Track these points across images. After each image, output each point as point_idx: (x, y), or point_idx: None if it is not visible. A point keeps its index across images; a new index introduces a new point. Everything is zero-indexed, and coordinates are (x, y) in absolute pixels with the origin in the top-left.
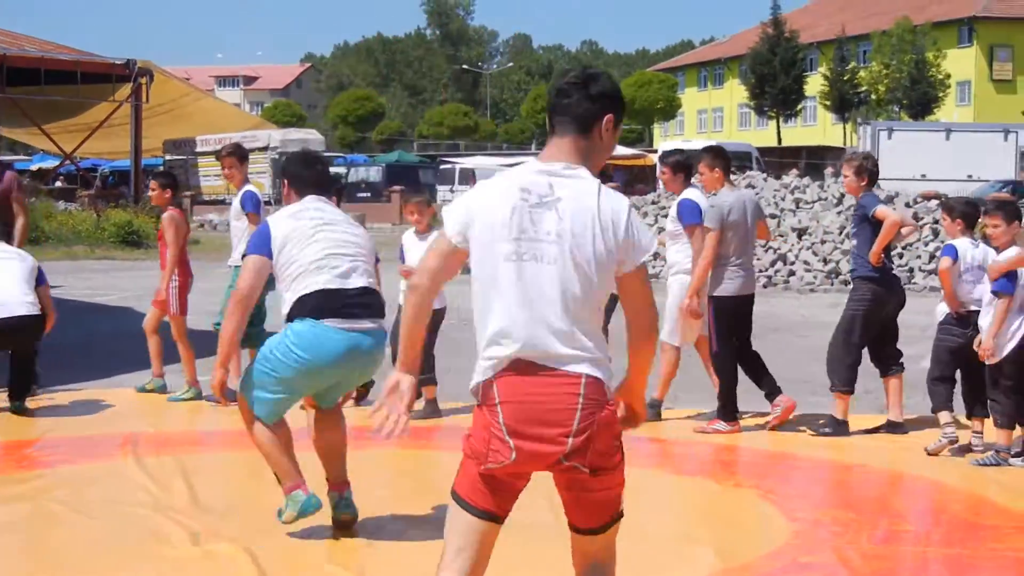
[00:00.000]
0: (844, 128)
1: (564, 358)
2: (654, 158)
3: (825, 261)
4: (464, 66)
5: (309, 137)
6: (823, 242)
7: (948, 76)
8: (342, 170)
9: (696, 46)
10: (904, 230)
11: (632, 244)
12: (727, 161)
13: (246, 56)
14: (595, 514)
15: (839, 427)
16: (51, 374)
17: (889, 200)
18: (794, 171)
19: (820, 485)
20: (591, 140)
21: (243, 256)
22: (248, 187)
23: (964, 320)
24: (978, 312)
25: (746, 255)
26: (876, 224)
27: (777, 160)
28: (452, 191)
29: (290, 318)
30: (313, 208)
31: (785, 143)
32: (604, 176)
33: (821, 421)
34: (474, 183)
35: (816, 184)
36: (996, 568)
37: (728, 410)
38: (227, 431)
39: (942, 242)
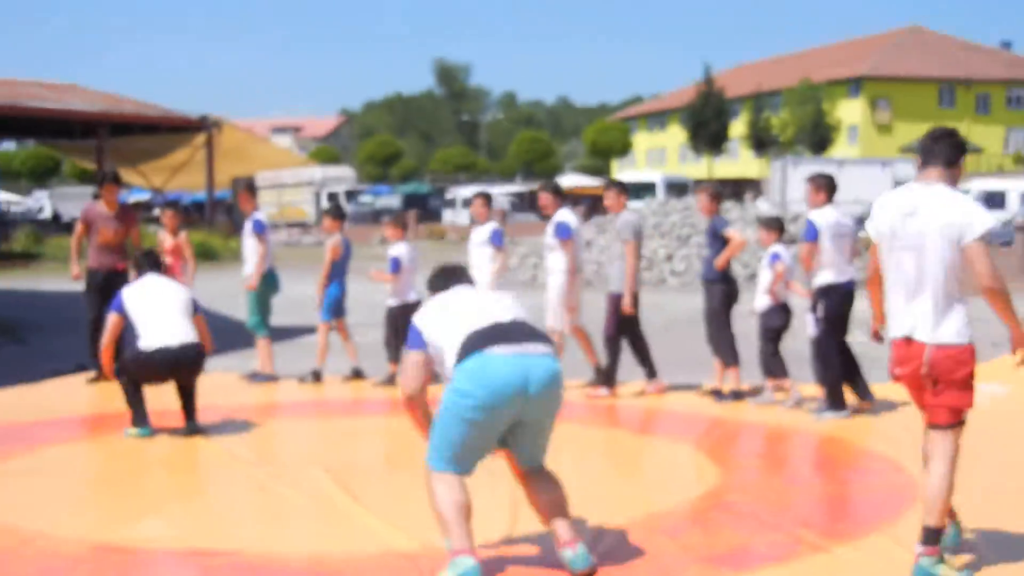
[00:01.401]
0: (761, 162)
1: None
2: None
3: (744, 266)
4: (464, 117)
5: (344, 174)
6: (744, 252)
7: (840, 122)
8: (369, 198)
9: (645, 99)
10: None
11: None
12: (627, 191)
13: (295, 110)
14: None
15: (738, 396)
16: None
17: (795, 218)
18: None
19: (742, 439)
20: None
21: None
22: (257, 215)
23: (784, 307)
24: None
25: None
26: (724, 240)
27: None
28: (454, 213)
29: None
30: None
31: (715, 175)
32: (573, 201)
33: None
34: (493, 207)
35: (739, 206)
36: (872, 495)
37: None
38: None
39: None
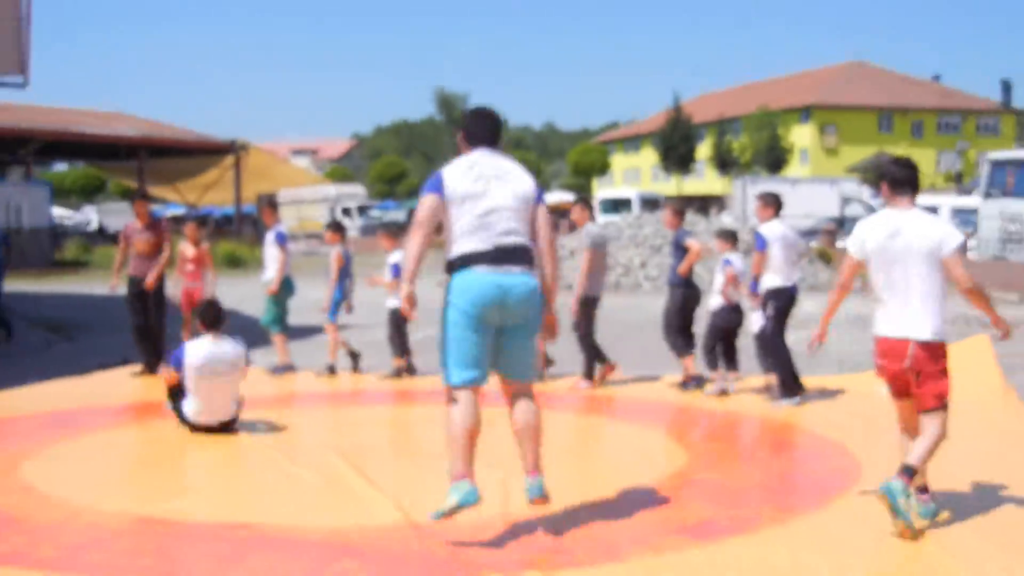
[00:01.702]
0: (724, 181)
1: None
2: (594, 203)
3: (710, 272)
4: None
5: (356, 191)
6: (709, 259)
7: (792, 145)
8: (379, 213)
9: (621, 125)
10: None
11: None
12: (591, 207)
13: (312, 135)
14: None
15: (698, 381)
16: None
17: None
18: (689, 211)
19: (707, 425)
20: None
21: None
22: (278, 227)
23: (735, 308)
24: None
25: (605, 267)
26: (685, 250)
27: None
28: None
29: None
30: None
31: (683, 192)
32: (559, 215)
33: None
34: None
35: (704, 219)
36: (821, 475)
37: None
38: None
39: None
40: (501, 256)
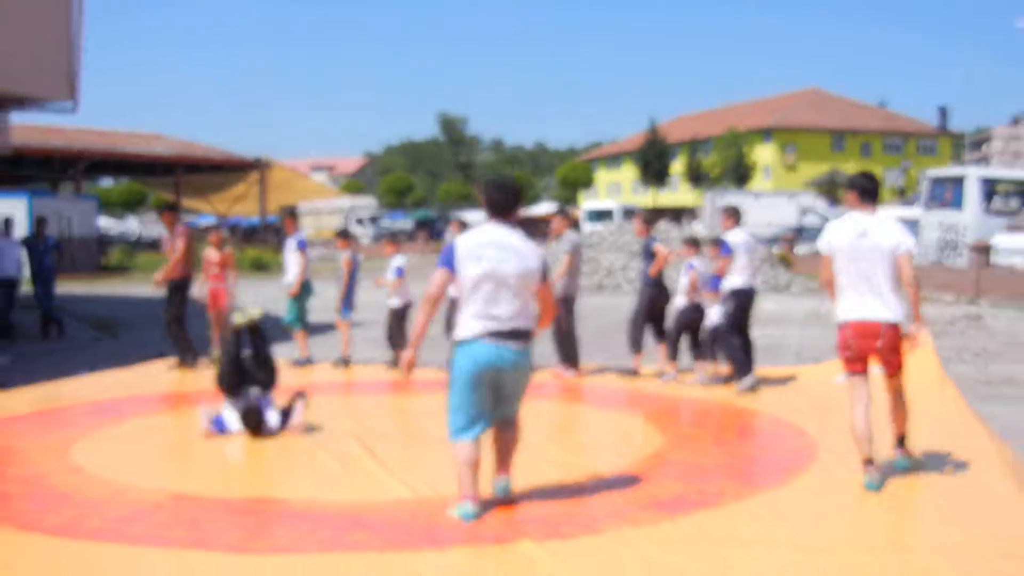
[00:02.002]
0: (695, 194)
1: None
2: (578, 214)
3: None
4: (462, 158)
5: (368, 203)
6: (681, 263)
7: (756, 163)
8: (388, 222)
9: (604, 144)
10: (670, 258)
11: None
12: (568, 218)
13: (329, 152)
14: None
15: (635, 374)
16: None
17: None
18: (664, 221)
19: (680, 412)
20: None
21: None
22: (299, 234)
23: (697, 307)
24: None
25: (580, 270)
26: (654, 255)
27: (655, 215)
28: (454, 234)
29: None
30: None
31: (660, 204)
32: (547, 225)
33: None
34: (467, 229)
35: (678, 227)
36: (781, 455)
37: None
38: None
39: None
40: (501, 335)
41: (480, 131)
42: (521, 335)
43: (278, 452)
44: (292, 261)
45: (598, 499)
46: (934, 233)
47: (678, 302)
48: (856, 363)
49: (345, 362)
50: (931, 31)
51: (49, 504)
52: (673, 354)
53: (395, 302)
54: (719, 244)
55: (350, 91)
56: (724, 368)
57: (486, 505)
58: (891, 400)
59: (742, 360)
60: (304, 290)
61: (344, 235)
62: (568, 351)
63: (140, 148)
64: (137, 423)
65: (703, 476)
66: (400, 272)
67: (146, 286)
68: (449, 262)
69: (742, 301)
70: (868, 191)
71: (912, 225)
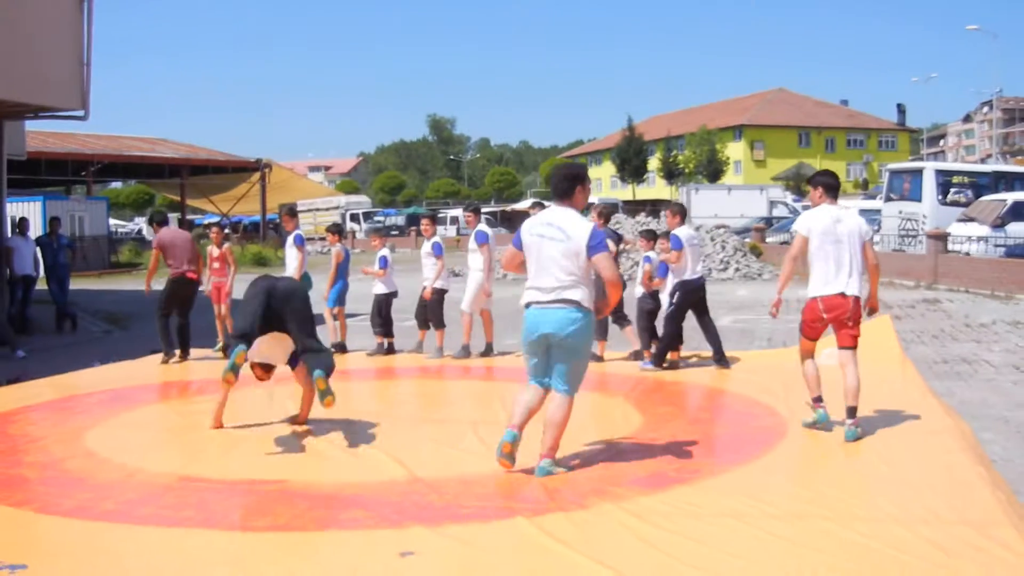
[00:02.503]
0: (671, 189)
1: None
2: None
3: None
4: (451, 157)
5: (362, 200)
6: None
7: (728, 159)
8: (381, 218)
9: (585, 142)
10: (627, 246)
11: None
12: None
13: (325, 154)
14: None
15: (598, 359)
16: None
17: (697, 229)
18: (642, 214)
19: (658, 393)
20: None
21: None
22: (297, 231)
23: (654, 295)
24: (657, 291)
25: None
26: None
27: (633, 208)
28: (444, 230)
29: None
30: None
31: (638, 198)
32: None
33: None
34: (458, 225)
35: (656, 221)
36: (754, 433)
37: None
38: None
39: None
40: (541, 304)
41: (468, 131)
42: (566, 303)
43: (278, 436)
44: (291, 256)
45: (583, 476)
46: (894, 222)
47: (637, 292)
48: (818, 330)
49: (341, 348)
50: (889, 34)
51: (65, 488)
52: (647, 341)
53: (380, 289)
54: (669, 238)
55: (344, 94)
56: (706, 352)
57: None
58: (846, 375)
59: (665, 348)
60: (303, 283)
61: (335, 230)
62: None
63: (147, 151)
64: (147, 410)
65: (681, 454)
66: (385, 262)
67: (154, 282)
68: (517, 241)
69: (689, 292)
70: (831, 187)
71: (874, 215)
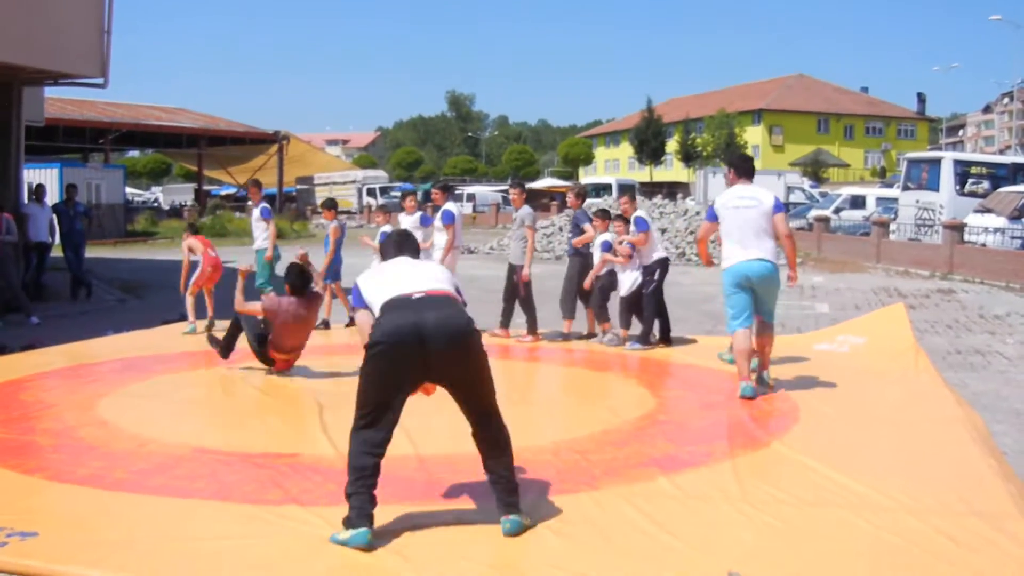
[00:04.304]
0: (688, 171)
1: None
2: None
3: (676, 247)
4: (469, 134)
5: (379, 175)
6: (675, 236)
7: (746, 143)
8: (398, 194)
9: (603, 122)
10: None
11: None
12: (525, 191)
13: (344, 127)
14: None
15: (566, 336)
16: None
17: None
18: (659, 196)
19: (668, 374)
20: None
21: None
22: (263, 204)
23: (611, 273)
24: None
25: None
26: (583, 230)
27: (650, 189)
28: (461, 206)
29: None
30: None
31: (655, 180)
32: (550, 198)
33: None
34: (475, 202)
35: (672, 203)
36: (766, 417)
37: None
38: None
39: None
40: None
41: (486, 108)
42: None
43: (290, 409)
44: (260, 229)
45: (595, 457)
46: (911, 212)
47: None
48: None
49: (325, 324)
50: (912, 22)
51: (78, 456)
52: (604, 316)
53: (377, 263)
54: (624, 221)
55: (364, 68)
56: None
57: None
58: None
59: (651, 327)
60: (274, 255)
61: (330, 205)
62: (530, 317)
63: (165, 121)
64: (160, 380)
65: (692, 437)
66: (385, 236)
67: (170, 251)
68: (711, 215)
69: (665, 269)
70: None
71: (891, 204)
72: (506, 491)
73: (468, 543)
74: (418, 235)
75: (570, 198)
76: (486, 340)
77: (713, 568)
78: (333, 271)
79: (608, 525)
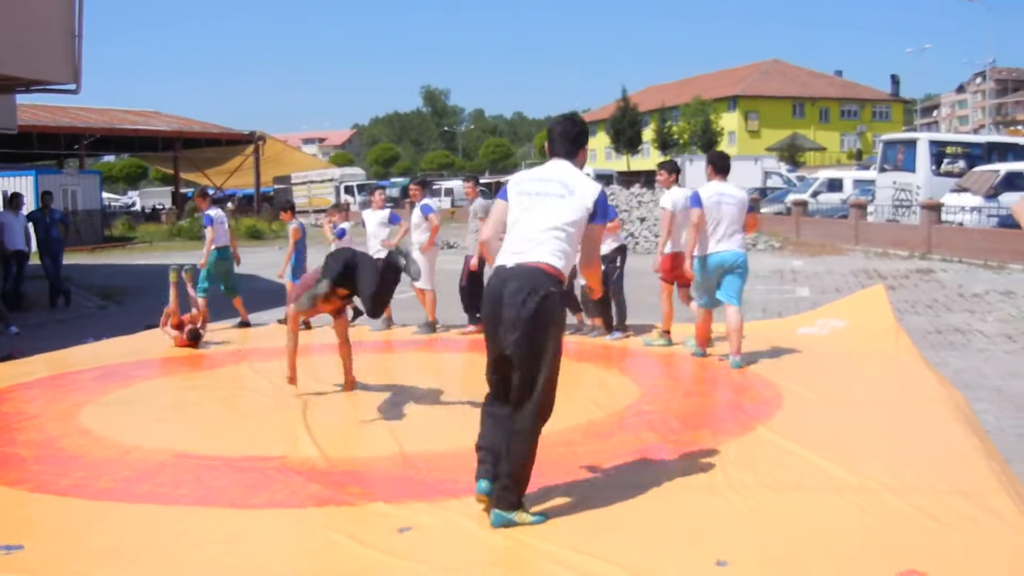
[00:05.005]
0: (665, 159)
1: None
2: None
3: (656, 236)
4: (445, 128)
5: (356, 172)
6: (655, 224)
7: (722, 129)
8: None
9: (579, 112)
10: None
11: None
12: (478, 183)
13: (319, 126)
14: None
15: (590, 329)
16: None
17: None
18: (637, 185)
19: (651, 364)
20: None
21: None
22: (209, 212)
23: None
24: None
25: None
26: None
27: (627, 179)
28: (439, 201)
29: None
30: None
31: (632, 169)
32: None
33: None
34: (452, 196)
35: (650, 192)
36: (749, 404)
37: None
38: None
39: None
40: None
41: (462, 102)
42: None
43: (273, 411)
44: (208, 236)
45: (580, 449)
46: (888, 193)
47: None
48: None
49: (282, 322)
50: (884, 4)
51: (60, 466)
52: (569, 306)
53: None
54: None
55: (339, 67)
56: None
57: None
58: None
59: (623, 319)
60: (222, 258)
61: (288, 207)
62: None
63: (140, 124)
64: (142, 387)
65: (677, 426)
66: (343, 232)
67: (148, 256)
68: (696, 201)
69: (625, 256)
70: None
71: (868, 186)
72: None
73: (456, 538)
74: (384, 232)
75: (467, 187)
76: (460, 339)
77: (700, 557)
78: (295, 269)
79: (595, 517)
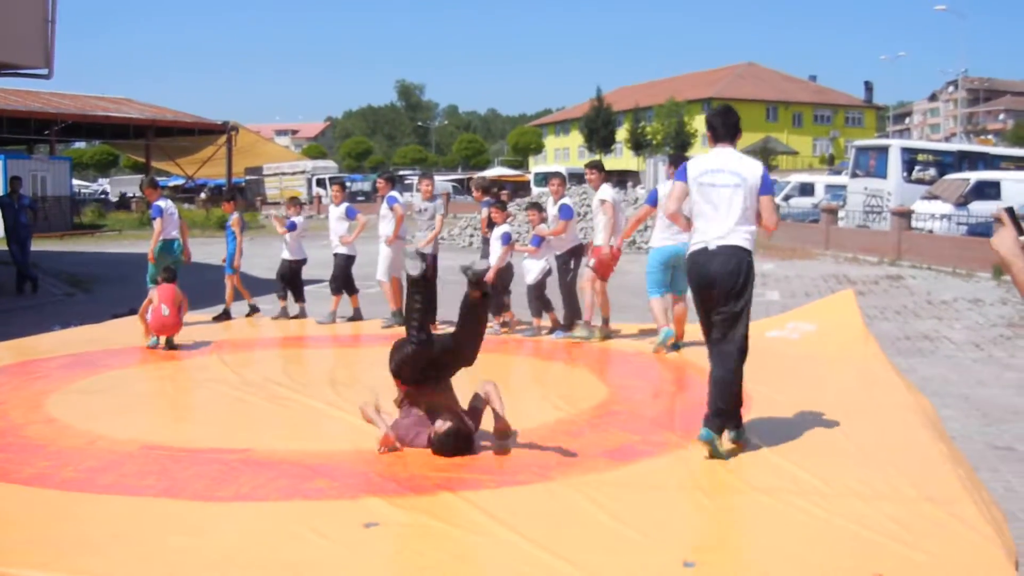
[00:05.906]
0: (638, 160)
1: None
2: (528, 177)
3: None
4: (419, 123)
5: (329, 165)
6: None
7: (696, 131)
8: (349, 183)
9: (553, 111)
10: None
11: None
12: (433, 181)
13: (293, 117)
14: None
15: (537, 330)
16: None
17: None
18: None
19: (618, 364)
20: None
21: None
22: (159, 203)
23: (508, 267)
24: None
25: None
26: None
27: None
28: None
29: None
30: None
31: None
32: (498, 187)
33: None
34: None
35: (622, 192)
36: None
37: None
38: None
39: None
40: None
41: (436, 97)
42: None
43: (240, 403)
44: (157, 227)
45: (549, 449)
46: (859, 198)
47: (528, 265)
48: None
49: (226, 315)
50: (859, 11)
51: (25, 455)
52: (498, 308)
53: (286, 255)
54: (538, 209)
55: (313, 58)
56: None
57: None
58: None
59: (576, 312)
60: (166, 252)
61: (231, 198)
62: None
63: (112, 111)
64: (109, 376)
65: (646, 426)
66: (293, 225)
67: (118, 244)
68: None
69: (581, 255)
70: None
71: (840, 191)
72: None
73: (422, 534)
74: (342, 227)
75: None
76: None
77: (668, 558)
78: (231, 261)
79: (563, 516)
